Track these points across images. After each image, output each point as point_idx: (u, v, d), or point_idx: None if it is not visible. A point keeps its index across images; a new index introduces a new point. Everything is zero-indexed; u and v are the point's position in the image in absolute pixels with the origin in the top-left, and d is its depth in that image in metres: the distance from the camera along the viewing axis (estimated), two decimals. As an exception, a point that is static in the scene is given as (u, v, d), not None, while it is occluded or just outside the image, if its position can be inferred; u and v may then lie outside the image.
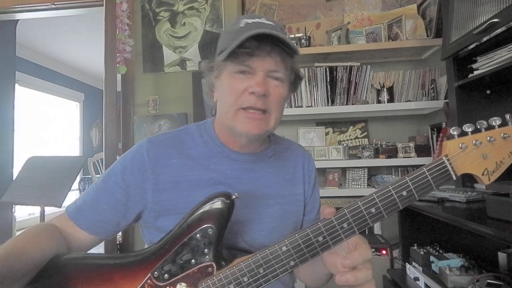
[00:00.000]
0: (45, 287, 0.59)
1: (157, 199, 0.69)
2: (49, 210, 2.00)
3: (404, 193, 0.54)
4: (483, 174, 0.53)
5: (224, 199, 0.59)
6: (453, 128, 0.54)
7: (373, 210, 0.54)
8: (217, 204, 0.59)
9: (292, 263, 0.55)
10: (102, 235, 0.71)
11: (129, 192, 0.69)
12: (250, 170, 0.75)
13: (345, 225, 0.54)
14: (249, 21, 0.68)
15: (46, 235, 0.65)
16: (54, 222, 0.71)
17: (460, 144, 0.53)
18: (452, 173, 0.53)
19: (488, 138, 0.53)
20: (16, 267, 0.55)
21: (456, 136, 0.54)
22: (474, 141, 0.53)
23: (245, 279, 0.56)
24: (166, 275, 0.58)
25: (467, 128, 0.54)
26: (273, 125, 0.69)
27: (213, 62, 0.72)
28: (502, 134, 0.53)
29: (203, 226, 0.59)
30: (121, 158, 0.74)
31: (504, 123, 0.53)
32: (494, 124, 0.53)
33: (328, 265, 0.58)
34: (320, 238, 0.55)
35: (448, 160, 0.53)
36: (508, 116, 0.53)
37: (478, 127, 0.53)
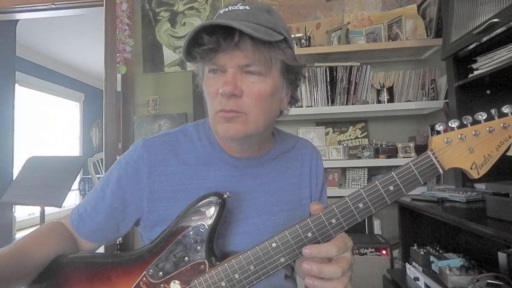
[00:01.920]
0: (44, 285, 0.61)
1: (152, 209, 0.66)
2: (49, 210, 2.00)
3: (391, 187, 0.54)
4: (471, 168, 0.53)
5: (216, 198, 0.60)
6: (439, 123, 0.54)
7: (360, 205, 0.54)
8: (209, 203, 0.60)
9: (282, 259, 0.55)
10: (103, 242, 0.71)
11: (126, 199, 0.67)
12: (252, 176, 0.70)
13: (333, 220, 0.54)
14: (222, 11, 0.62)
15: (55, 236, 0.66)
16: (63, 222, 0.71)
17: (445, 139, 0.53)
18: (438, 167, 0.53)
19: (473, 132, 0.53)
20: (20, 267, 0.56)
21: (442, 131, 0.54)
22: (459, 135, 0.53)
23: (236, 276, 0.56)
24: (160, 273, 0.59)
25: (453, 123, 0.54)
26: (254, 128, 0.61)
27: (196, 66, 0.66)
28: (487, 128, 0.52)
29: (195, 224, 0.60)
30: (117, 162, 0.71)
31: (490, 118, 0.53)
32: (479, 118, 0.53)
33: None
34: (309, 234, 0.54)
35: (433, 154, 0.54)
36: (494, 111, 0.53)
37: (464, 122, 0.53)
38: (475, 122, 0.53)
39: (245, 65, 0.59)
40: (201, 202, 0.61)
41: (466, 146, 0.53)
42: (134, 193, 0.67)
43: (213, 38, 0.56)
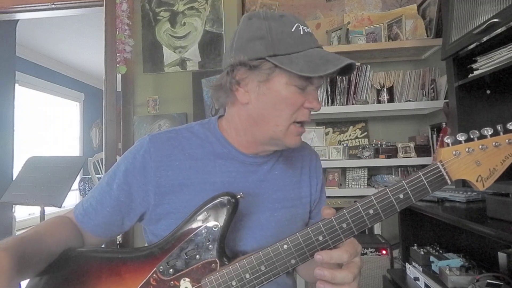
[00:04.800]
0: (55, 278, 0.61)
1: (159, 202, 0.68)
2: (49, 210, 2.00)
3: (401, 196, 0.55)
4: (477, 181, 0.56)
5: (229, 198, 0.61)
6: (447, 137, 0.57)
7: (371, 211, 0.56)
8: (223, 202, 0.61)
9: (293, 261, 0.56)
10: (107, 236, 0.72)
11: (132, 193, 0.68)
12: (256, 172, 0.72)
13: (344, 225, 0.56)
14: (305, 29, 0.65)
15: (64, 228, 0.67)
16: (68, 217, 0.72)
17: (454, 151, 0.56)
18: (447, 178, 0.55)
19: (480, 146, 0.55)
20: (37, 252, 0.57)
21: (450, 144, 0.57)
22: (467, 149, 0.56)
23: (247, 275, 0.57)
24: (171, 270, 0.60)
25: (461, 137, 0.56)
26: None
27: (262, 62, 0.62)
28: (494, 143, 0.55)
29: (208, 223, 0.61)
30: (123, 157, 0.72)
31: (496, 133, 0.56)
32: (486, 133, 0.56)
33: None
34: (320, 238, 0.56)
35: (442, 165, 0.56)
36: (500, 127, 0.55)
37: (472, 136, 0.56)
38: (482, 136, 0.56)
39: (318, 86, 0.68)
40: (215, 202, 0.61)
41: (473, 159, 0.56)
42: (140, 187, 0.68)
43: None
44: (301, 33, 0.63)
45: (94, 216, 0.69)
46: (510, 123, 0.54)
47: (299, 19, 0.66)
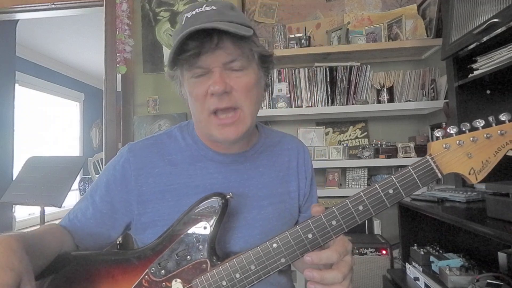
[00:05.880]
0: (49, 281, 0.61)
1: (142, 211, 0.67)
2: (49, 210, 2.00)
3: (391, 191, 0.54)
4: (469, 173, 0.54)
5: (219, 198, 0.61)
6: (437, 130, 0.56)
7: (360, 207, 0.54)
8: (212, 203, 0.61)
9: (283, 260, 0.56)
10: (95, 248, 0.71)
11: (115, 205, 0.68)
12: (239, 171, 0.71)
13: (333, 222, 0.55)
14: (189, 15, 0.61)
15: (60, 233, 0.67)
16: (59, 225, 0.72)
17: (444, 144, 0.54)
18: (437, 171, 0.54)
19: (472, 138, 0.54)
20: (37, 248, 0.57)
21: (440, 137, 0.55)
22: (457, 141, 0.54)
23: (237, 275, 0.57)
24: (162, 271, 0.60)
25: (452, 129, 0.55)
26: (250, 121, 0.64)
27: (171, 72, 0.67)
28: (485, 134, 0.54)
29: (198, 224, 0.61)
30: (105, 169, 0.72)
31: (488, 125, 0.54)
32: (477, 125, 0.54)
33: None
34: (310, 235, 0.55)
35: (432, 159, 0.54)
36: (491, 118, 0.54)
37: (463, 129, 0.55)
38: (473, 128, 0.55)
39: (228, 62, 0.61)
40: (204, 202, 0.61)
41: (464, 152, 0.54)
42: (122, 197, 0.68)
43: (196, 42, 0.57)
44: (183, 23, 0.61)
45: (79, 229, 0.69)
46: (502, 114, 0.53)
47: (194, 5, 0.62)
